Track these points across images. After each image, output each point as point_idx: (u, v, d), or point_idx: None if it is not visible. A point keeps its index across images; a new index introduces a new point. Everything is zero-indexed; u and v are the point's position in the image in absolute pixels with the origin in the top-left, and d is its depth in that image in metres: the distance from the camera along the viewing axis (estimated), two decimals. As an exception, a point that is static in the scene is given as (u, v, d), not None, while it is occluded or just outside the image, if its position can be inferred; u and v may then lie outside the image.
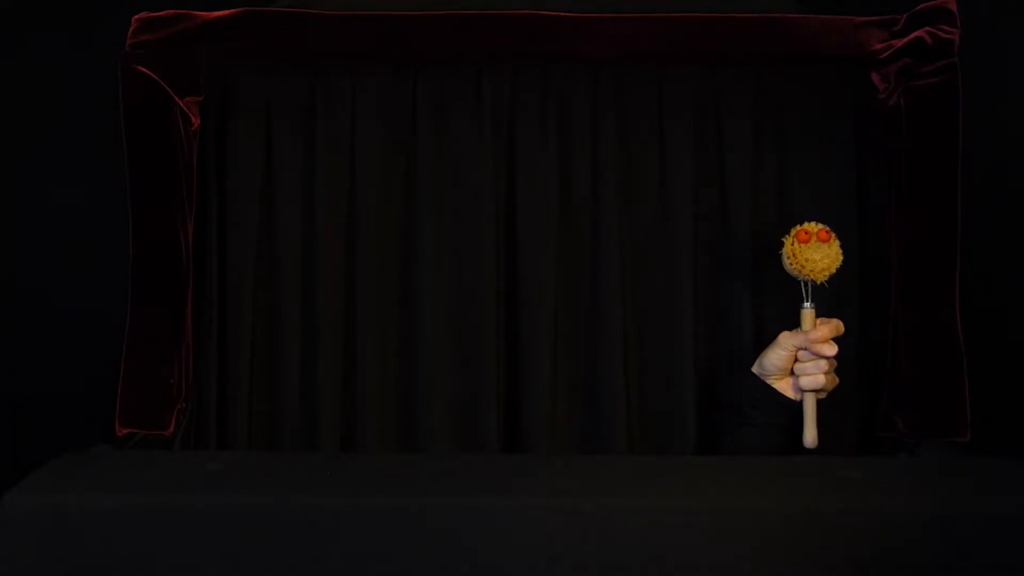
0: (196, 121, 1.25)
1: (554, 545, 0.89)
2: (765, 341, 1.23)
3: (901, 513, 0.90)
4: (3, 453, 1.28)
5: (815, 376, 1.17)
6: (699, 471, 1.03)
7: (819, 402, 1.19)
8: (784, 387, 1.20)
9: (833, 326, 1.18)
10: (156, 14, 1.23)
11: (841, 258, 1.17)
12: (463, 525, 0.89)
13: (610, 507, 0.90)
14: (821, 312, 1.19)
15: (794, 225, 1.18)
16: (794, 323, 1.20)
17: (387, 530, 0.89)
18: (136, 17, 1.23)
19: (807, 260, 1.16)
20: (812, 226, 1.17)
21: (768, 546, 0.89)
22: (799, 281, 1.18)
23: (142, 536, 0.89)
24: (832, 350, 1.17)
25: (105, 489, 0.92)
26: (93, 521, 0.89)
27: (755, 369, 1.21)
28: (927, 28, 1.21)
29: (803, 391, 1.18)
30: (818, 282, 1.17)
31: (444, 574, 0.88)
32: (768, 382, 1.20)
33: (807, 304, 1.18)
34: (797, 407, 1.19)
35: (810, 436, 1.18)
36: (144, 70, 1.21)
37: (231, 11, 1.24)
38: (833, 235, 1.17)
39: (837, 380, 1.20)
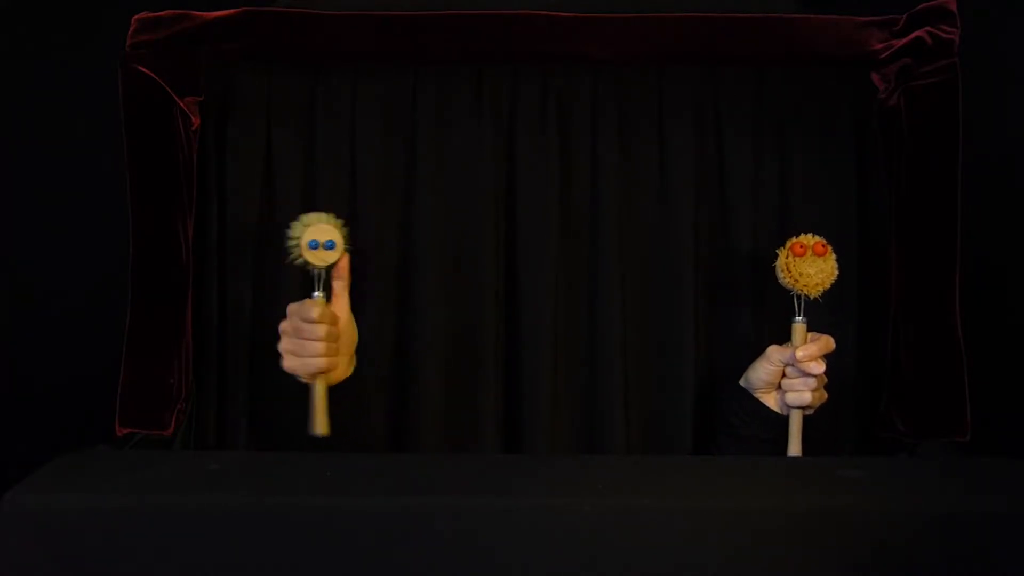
0: (196, 121, 1.25)
1: (554, 545, 0.89)
2: (764, 348, 1.21)
3: (901, 513, 0.90)
4: (3, 453, 1.28)
5: (801, 393, 1.15)
6: (699, 471, 1.03)
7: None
8: (771, 401, 1.19)
9: (822, 343, 1.15)
10: (156, 14, 1.23)
11: (836, 273, 1.15)
12: (463, 525, 0.89)
13: (610, 507, 0.90)
14: (821, 321, 1.18)
15: (793, 228, 1.16)
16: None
17: (387, 530, 0.89)
18: (136, 17, 1.23)
19: (801, 274, 1.14)
20: (808, 239, 1.15)
21: (768, 546, 0.89)
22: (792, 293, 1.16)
23: (142, 536, 0.89)
24: (819, 368, 1.14)
25: (105, 489, 0.92)
26: (93, 521, 0.89)
27: (742, 382, 1.20)
28: (927, 28, 1.21)
29: (789, 407, 1.17)
30: (812, 296, 1.15)
31: (444, 574, 0.88)
32: (755, 395, 1.19)
33: (799, 318, 1.16)
34: (783, 421, 1.18)
35: (794, 452, 1.16)
36: (144, 70, 1.21)
37: (231, 11, 1.24)
38: (829, 248, 1.15)
39: (825, 396, 1.18)
